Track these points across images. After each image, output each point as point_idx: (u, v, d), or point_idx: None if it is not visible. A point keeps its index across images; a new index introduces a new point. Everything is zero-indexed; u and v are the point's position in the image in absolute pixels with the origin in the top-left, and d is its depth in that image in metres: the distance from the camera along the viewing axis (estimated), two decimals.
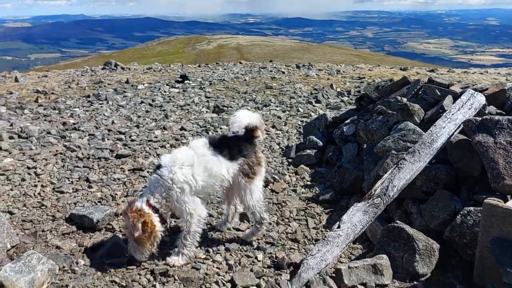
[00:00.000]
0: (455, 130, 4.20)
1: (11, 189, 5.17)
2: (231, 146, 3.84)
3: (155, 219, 3.62)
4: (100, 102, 9.96)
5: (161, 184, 3.63)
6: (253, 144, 3.96)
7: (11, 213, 4.59)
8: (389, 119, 5.00)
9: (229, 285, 3.61)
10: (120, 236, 4.17)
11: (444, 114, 4.32)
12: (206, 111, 9.26)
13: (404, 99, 5.22)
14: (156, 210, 3.64)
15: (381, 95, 6.11)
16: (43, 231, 4.27)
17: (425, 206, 4.02)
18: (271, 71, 14.79)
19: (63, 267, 3.62)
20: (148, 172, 5.76)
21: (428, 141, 4.08)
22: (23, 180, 5.42)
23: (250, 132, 3.91)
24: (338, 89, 11.35)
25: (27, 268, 3.29)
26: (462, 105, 4.38)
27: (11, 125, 7.68)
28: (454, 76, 13.73)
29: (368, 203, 3.83)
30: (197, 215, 3.72)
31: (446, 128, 4.15)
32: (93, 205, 4.82)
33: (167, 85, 12.08)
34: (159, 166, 3.70)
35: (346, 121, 5.90)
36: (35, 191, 5.14)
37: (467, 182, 4.07)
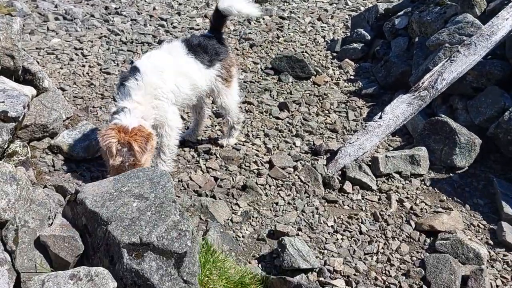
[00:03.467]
0: None
1: (61, 68, 5.37)
2: (208, 50, 3.45)
3: (153, 132, 3.14)
4: None
5: (150, 93, 3.16)
6: (225, 44, 3.63)
7: (63, 89, 4.83)
8: (446, 11, 4.63)
9: (267, 165, 3.80)
10: None
11: (509, 4, 3.94)
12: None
13: None
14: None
15: None
16: (93, 107, 4.51)
17: (473, 102, 3.89)
18: None
19: None
20: None
21: (487, 33, 3.80)
22: (71, 60, 5.59)
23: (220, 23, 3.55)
24: None
25: (82, 136, 3.55)
26: None
27: (56, 6, 7.71)
28: None
29: (414, 95, 3.75)
30: (176, 127, 3.36)
31: (510, 20, 3.82)
32: None
33: None
34: (137, 70, 3.16)
35: (399, 13, 5.51)
36: (83, 70, 5.33)
37: None
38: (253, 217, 3.23)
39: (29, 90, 3.42)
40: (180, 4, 8.52)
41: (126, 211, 2.22)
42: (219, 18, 3.60)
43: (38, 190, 2.58)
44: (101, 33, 6.54)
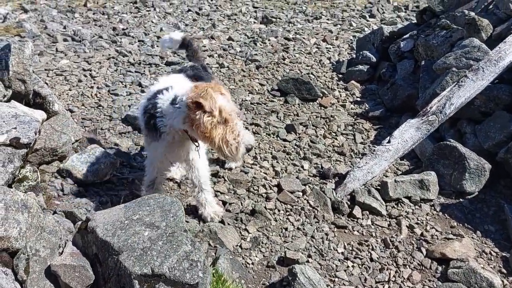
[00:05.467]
0: None
1: (70, 89, 5.42)
2: (203, 79, 3.39)
3: None
4: (147, 9, 9.83)
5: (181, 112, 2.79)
6: (209, 71, 3.72)
7: (71, 111, 4.86)
8: (453, 35, 4.66)
9: (275, 189, 3.78)
10: None
11: None
12: (254, 22, 8.97)
13: (472, 13, 4.81)
14: None
15: (446, 9, 5.64)
16: (101, 129, 4.53)
17: (481, 127, 3.89)
18: None
19: (123, 161, 3.89)
20: None
21: (495, 58, 3.82)
22: (80, 81, 5.64)
23: (191, 49, 3.75)
24: (395, 3, 10.56)
25: (91, 159, 3.55)
26: None
27: (64, 27, 7.82)
28: None
29: (422, 120, 3.75)
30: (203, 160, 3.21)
31: None
32: None
33: None
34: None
35: (405, 36, 5.56)
36: (91, 92, 5.37)
37: None
38: (262, 243, 3.20)
39: (40, 115, 3.45)
40: (186, 25, 8.63)
41: (138, 240, 2.21)
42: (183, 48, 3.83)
43: (49, 217, 2.57)
44: (109, 54, 6.61)
